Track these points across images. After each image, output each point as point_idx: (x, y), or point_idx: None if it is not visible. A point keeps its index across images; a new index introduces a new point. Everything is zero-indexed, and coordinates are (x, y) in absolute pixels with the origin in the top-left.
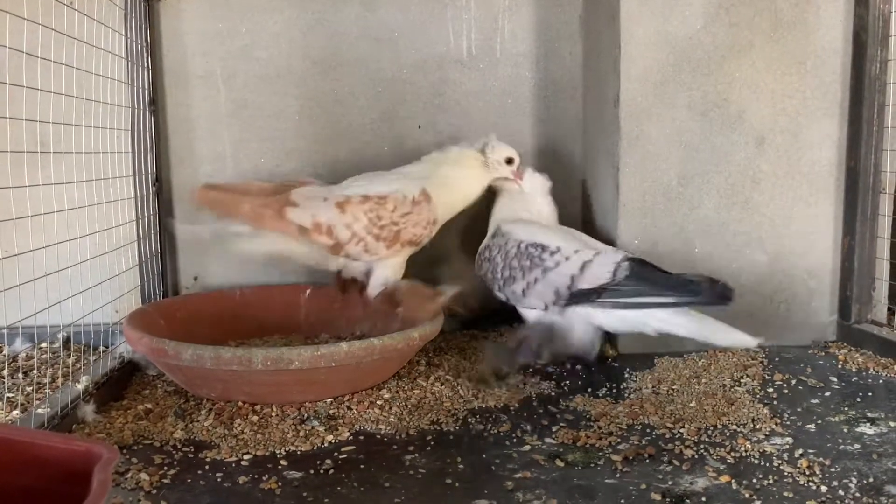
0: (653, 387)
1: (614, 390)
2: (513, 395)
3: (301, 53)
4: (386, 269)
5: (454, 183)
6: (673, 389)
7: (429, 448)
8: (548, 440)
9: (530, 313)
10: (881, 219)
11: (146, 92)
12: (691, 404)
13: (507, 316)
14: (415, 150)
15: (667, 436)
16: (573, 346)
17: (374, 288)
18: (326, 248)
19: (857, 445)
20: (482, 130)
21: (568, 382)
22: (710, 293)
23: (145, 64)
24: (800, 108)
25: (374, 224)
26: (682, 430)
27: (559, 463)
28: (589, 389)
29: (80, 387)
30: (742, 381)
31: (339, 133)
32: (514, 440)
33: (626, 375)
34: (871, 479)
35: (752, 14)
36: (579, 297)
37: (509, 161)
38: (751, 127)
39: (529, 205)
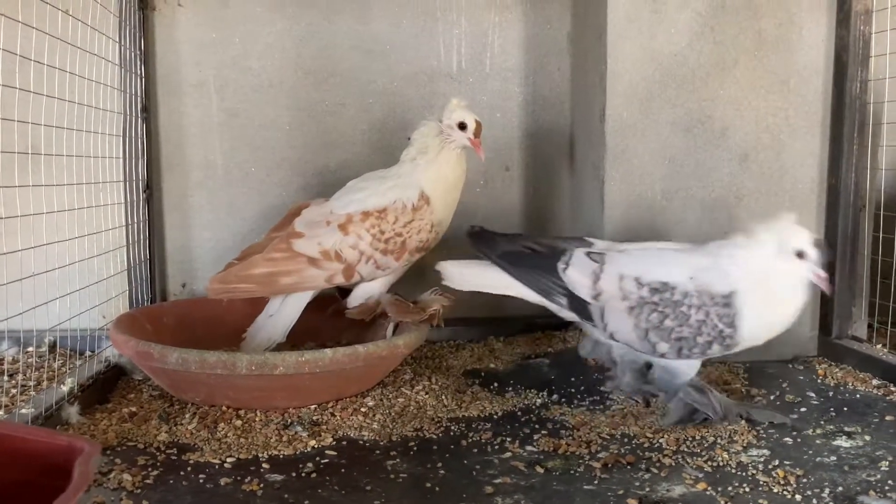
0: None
1: (596, 400)
2: (497, 404)
3: (293, 64)
4: (374, 283)
5: (444, 174)
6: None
7: (411, 454)
8: (529, 448)
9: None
10: (862, 236)
11: (139, 99)
12: None
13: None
14: None
15: (646, 445)
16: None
17: (354, 299)
18: (340, 273)
19: (832, 458)
20: None
21: (552, 392)
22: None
23: (138, 71)
24: (783, 126)
25: (378, 239)
26: (661, 440)
27: (539, 469)
28: (574, 400)
29: (65, 389)
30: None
31: (329, 143)
32: (496, 447)
33: (607, 384)
34: (844, 490)
35: (737, 32)
36: None
37: (461, 126)
38: (734, 144)
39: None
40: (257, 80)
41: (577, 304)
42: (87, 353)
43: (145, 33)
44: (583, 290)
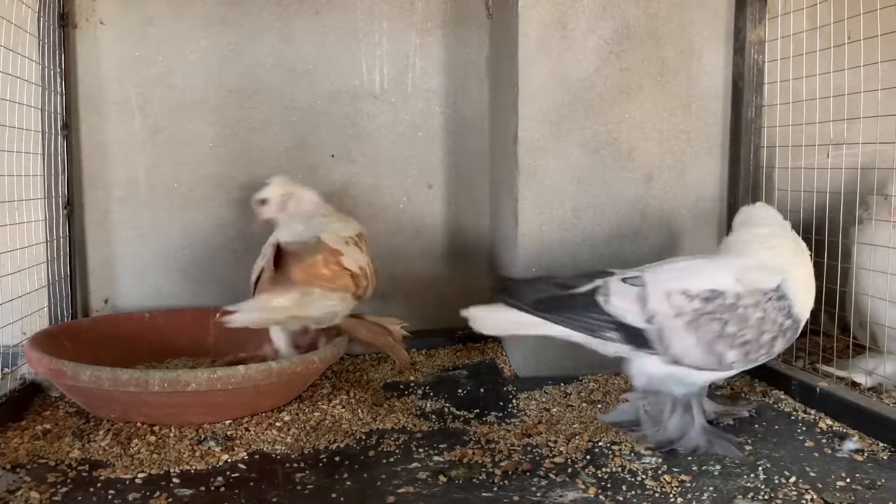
0: (544, 409)
1: (507, 411)
2: (411, 416)
3: (217, 82)
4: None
5: None
6: (561, 412)
7: (320, 466)
8: (436, 458)
9: None
10: None
11: (59, 117)
12: (574, 426)
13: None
14: (327, 178)
15: (546, 453)
16: None
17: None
18: (362, 290)
19: (718, 466)
20: (394, 161)
21: (465, 402)
22: None
23: (58, 90)
24: (685, 148)
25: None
26: (562, 449)
27: (442, 479)
28: (486, 410)
29: None
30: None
31: (253, 160)
32: (404, 458)
33: (520, 396)
34: (724, 493)
35: (641, 59)
36: None
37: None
38: (640, 164)
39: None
40: (181, 97)
41: (630, 333)
42: (5, 370)
43: (66, 51)
44: (632, 317)
